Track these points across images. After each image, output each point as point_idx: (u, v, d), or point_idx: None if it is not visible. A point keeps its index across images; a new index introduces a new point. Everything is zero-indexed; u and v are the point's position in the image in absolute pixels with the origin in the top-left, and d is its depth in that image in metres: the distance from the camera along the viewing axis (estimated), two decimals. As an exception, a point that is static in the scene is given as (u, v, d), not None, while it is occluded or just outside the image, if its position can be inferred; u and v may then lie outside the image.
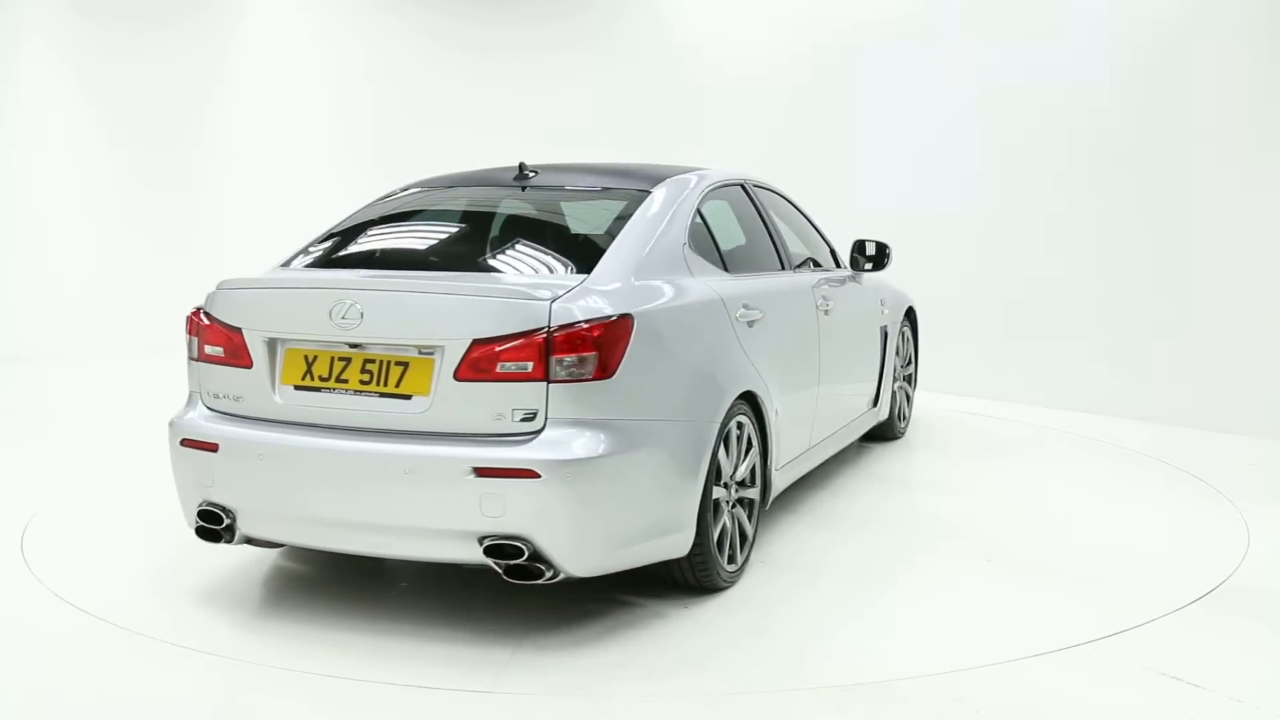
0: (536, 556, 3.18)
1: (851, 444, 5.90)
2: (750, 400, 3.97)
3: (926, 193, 8.19)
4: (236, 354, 3.54)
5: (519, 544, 3.17)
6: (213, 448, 3.50)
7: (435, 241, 4.15)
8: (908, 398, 6.41)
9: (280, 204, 10.32)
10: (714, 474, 3.67)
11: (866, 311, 5.61)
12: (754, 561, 4.12)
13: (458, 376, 3.23)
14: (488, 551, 3.19)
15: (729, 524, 3.83)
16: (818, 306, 4.79)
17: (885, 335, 5.85)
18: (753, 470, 4.00)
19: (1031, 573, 4.17)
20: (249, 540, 3.59)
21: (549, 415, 3.20)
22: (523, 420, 3.21)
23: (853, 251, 5.50)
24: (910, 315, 6.41)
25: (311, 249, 4.04)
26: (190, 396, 3.72)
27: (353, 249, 4.00)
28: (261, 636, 3.46)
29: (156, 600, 3.77)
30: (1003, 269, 7.82)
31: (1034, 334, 7.68)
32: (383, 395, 3.33)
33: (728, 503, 3.83)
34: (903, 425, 6.35)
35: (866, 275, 5.65)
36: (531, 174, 4.36)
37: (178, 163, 10.25)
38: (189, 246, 9.95)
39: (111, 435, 6.44)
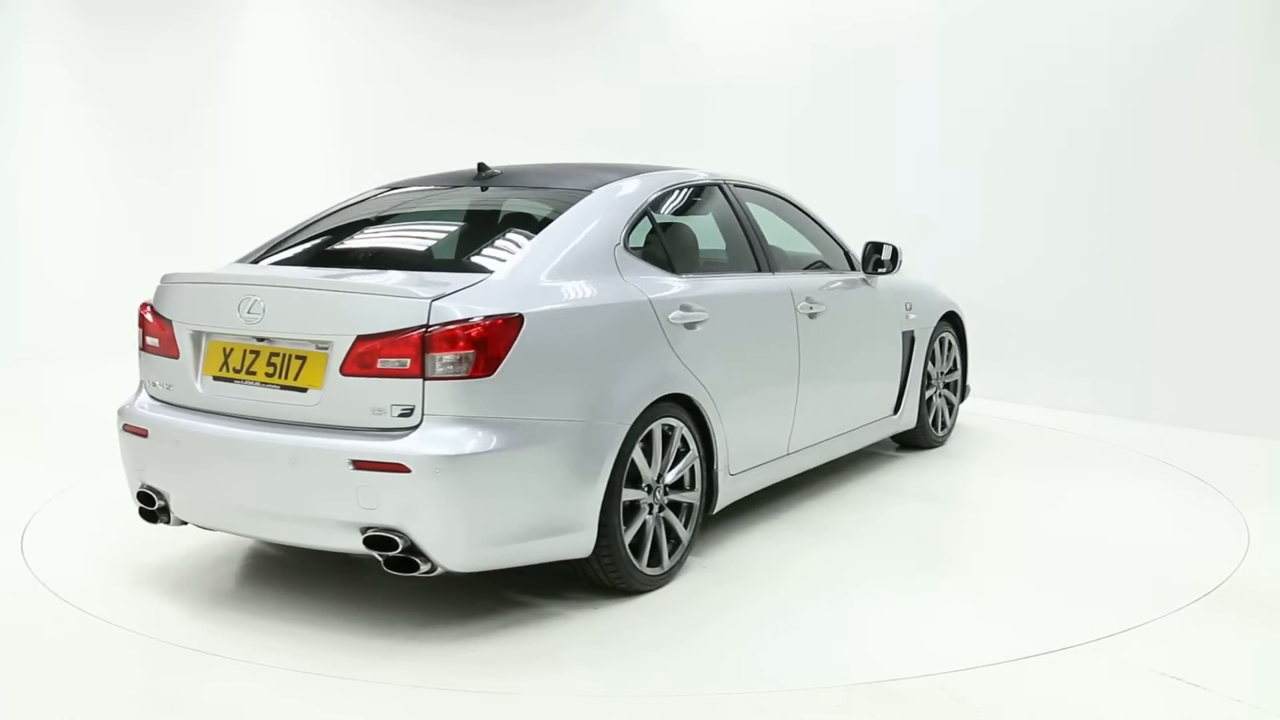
0: (413, 549, 3.27)
1: (881, 453, 5.86)
2: (687, 404, 3.97)
3: (926, 192, 8.19)
4: (168, 345, 3.76)
5: (395, 536, 3.26)
6: (144, 433, 3.73)
7: (370, 240, 4.22)
8: (949, 405, 6.21)
9: (280, 204, 10.29)
10: (627, 476, 3.68)
11: (882, 315, 5.47)
12: (696, 566, 4.10)
13: (344, 371, 3.34)
14: (367, 542, 3.29)
15: (655, 527, 3.83)
16: (798, 309, 4.69)
17: (911, 340, 5.69)
18: (693, 474, 4.01)
19: (1031, 573, 4.17)
20: (184, 522, 3.76)
21: (425, 411, 3.27)
22: (401, 416, 3.28)
23: (863, 254, 5.37)
24: (954, 320, 6.22)
25: (263, 246, 4.23)
26: (140, 385, 3.93)
27: (298, 247, 4.13)
28: (264, 636, 3.46)
29: (157, 600, 3.77)
30: (1003, 269, 7.81)
31: (1034, 334, 7.67)
32: (283, 388, 3.47)
33: (653, 506, 3.83)
34: (941, 433, 6.13)
35: (888, 278, 5.52)
36: (490, 174, 4.47)
37: (178, 162, 10.25)
38: (189, 247, 9.94)
39: (111, 435, 6.42)
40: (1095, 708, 3.01)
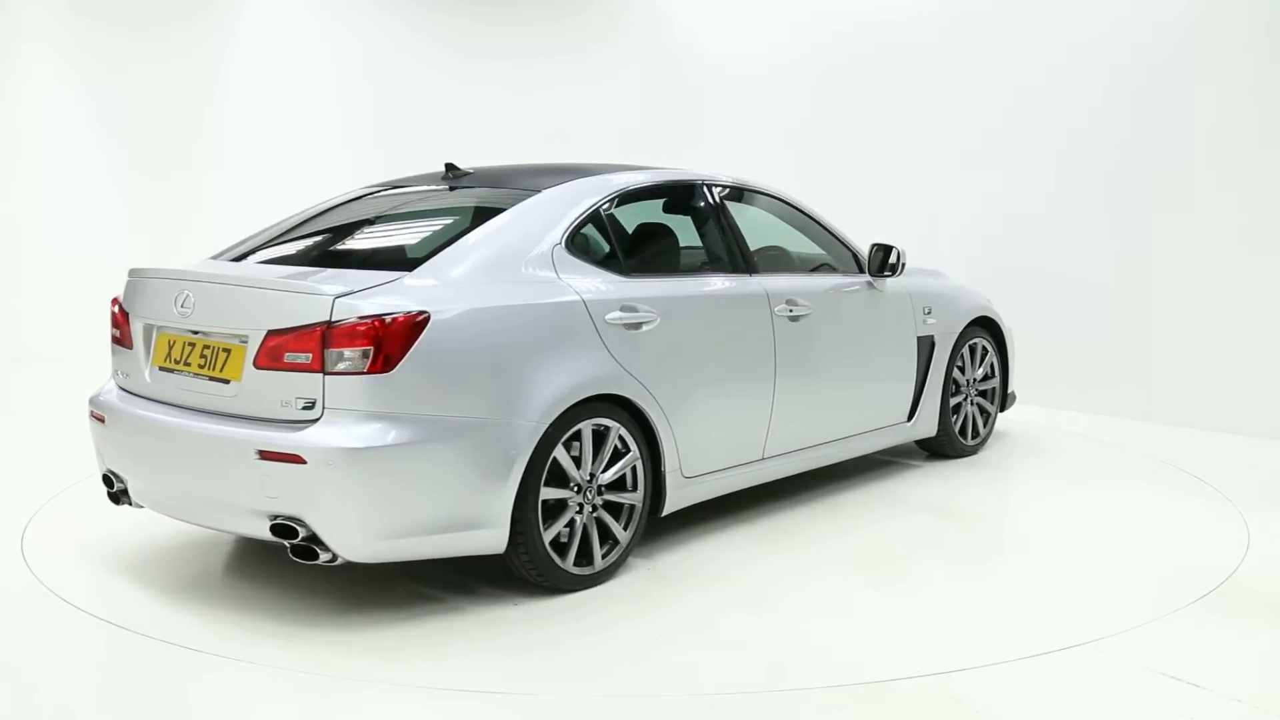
0: (314, 538, 3.38)
1: (899, 461, 5.75)
2: (630, 405, 3.97)
3: (926, 193, 8.19)
4: (126, 337, 3.98)
5: (296, 525, 3.37)
6: (102, 419, 3.94)
7: (323, 240, 4.27)
8: (982, 413, 6.01)
9: (280, 204, 10.29)
10: (548, 475, 3.70)
11: (890, 319, 5.33)
12: (640, 568, 4.09)
13: (257, 364, 3.48)
14: (273, 530, 3.42)
15: (587, 526, 3.84)
16: (775, 312, 4.60)
17: (931, 345, 5.55)
18: (635, 475, 4.00)
19: (1030, 573, 4.17)
20: (143, 506, 3.92)
21: (326, 405, 3.37)
22: (304, 408, 3.40)
23: (869, 256, 5.23)
24: (990, 326, 6.01)
25: (235, 244, 4.39)
26: (111, 374, 4.12)
27: (258, 245, 4.26)
28: (255, 635, 3.46)
29: (157, 600, 3.77)
30: (1002, 269, 7.81)
31: (1033, 334, 7.67)
32: (211, 379, 3.63)
33: (582, 506, 3.83)
34: (972, 442, 5.93)
35: (903, 281, 5.40)
36: (459, 175, 4.55)
37: (178, 162, 10.25)
38: (189, 247, 9.92)
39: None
40: (1095, 708, 3.01)
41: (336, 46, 10.70)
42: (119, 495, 3.93)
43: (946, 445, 5.80)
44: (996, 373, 6.10)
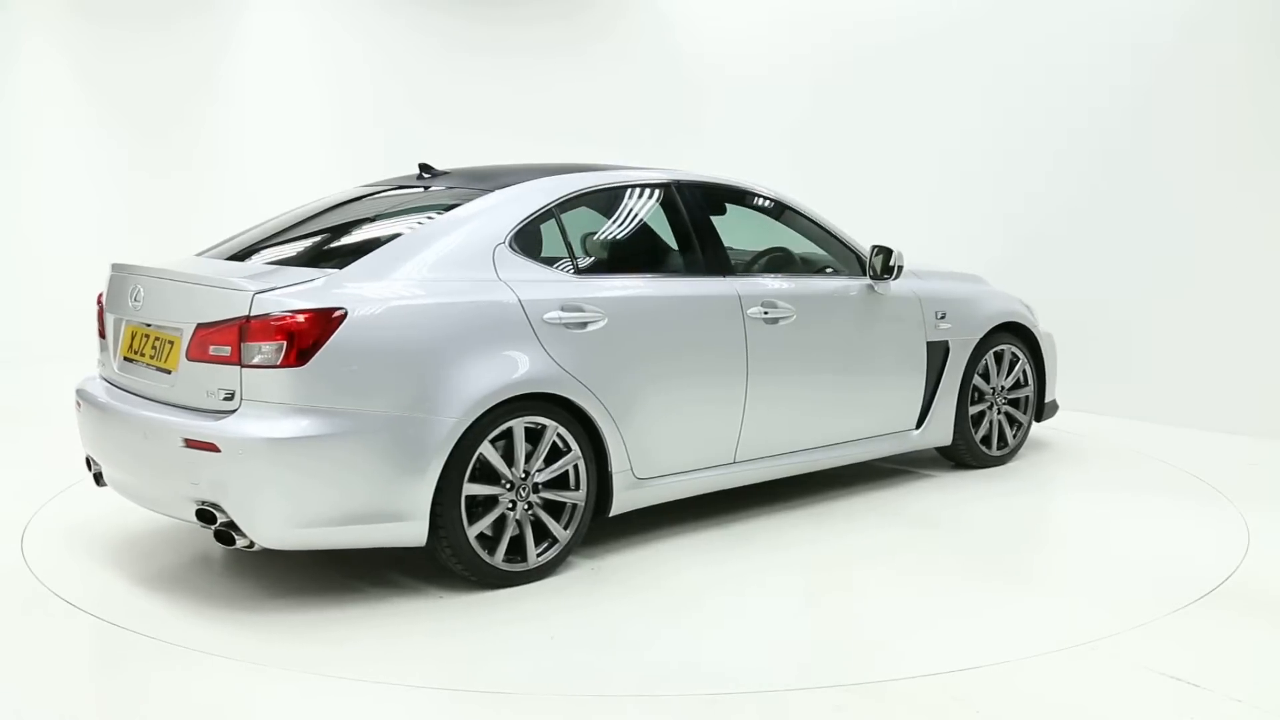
0: (232, 524, 3.53)
1: (911, 470, 5.55)
2: (571, 405, 3.97)
3: (925, 193, 8.18)
4: (102, 328, 4.24)
5: (215, 511, 3.53)
6: (78, 405, 4.17)
7: (286, 239, 4.31)
8: (1011, 422, 5.75)
9: (280, 204, 10.29)
10: (477, 471, 3.75)
11: (892, 322, 5.16)
12: (583, 567, 4.09)
13: (189, 356, 3.66)
14: (198, 515, 3.59)
15: (520, 523, 3.87)
16: (747, 314, 4.53)
17: (944, 350, 5.35)
18: (577, 475, 4.01)
19: (1030, 573, 4.17)
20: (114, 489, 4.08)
21: (244, 397, 3.53)
22: (225, 399, 3.56)
23: (869, 259, 5.10)
24: (1021, 332, 5.77)
25: (218, 243, 4.56)
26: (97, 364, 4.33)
27: (235, 242, 4.41)
28: (261, 634, 3.47)
29: (157, 600, 3.77)
30: (1000, 269, 7.80)
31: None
32: (158, 369, 3.81)
33: (515, 502, 3.86)
34: (998, 452, 5.67)
35: (912, 284, 5.27)
36: (432, 176, 4.64)
37: (178, 162, 10.25)
38: (189, 246, 9.91)
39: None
40: (1095, 708, 3.01)
41: (336, 46, 10.70)
42: (99, 476, 4.12)
43: (966, 454, 5.58)
44: (1030, 381, 5.84)
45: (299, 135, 10.63)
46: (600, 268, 4.38)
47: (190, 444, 3.52)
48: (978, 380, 5.57)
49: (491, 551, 3.81)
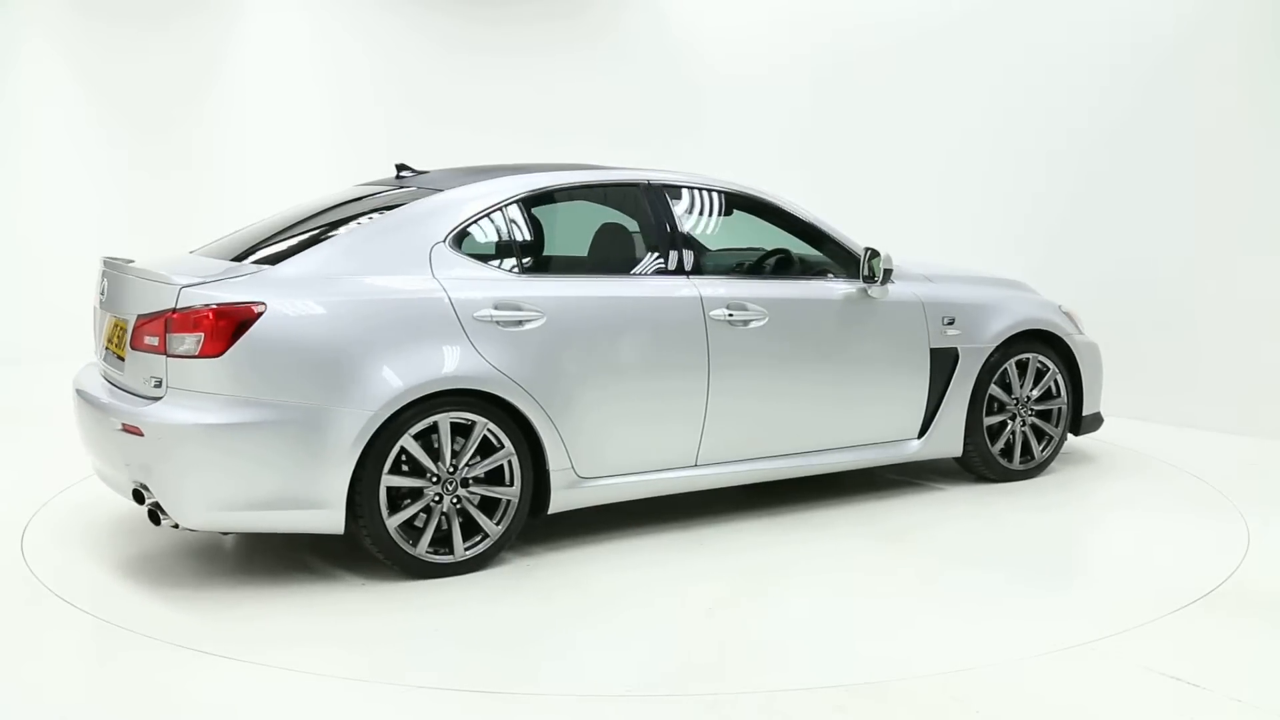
0: (158, 505, 3.74)
1: (913, 483, 5.34)
2: (503, 403, 4.00)
3: (925, 193, 8.18)
4: (94, 321, 4.37)
5: (144, 491, 3.75)
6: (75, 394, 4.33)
7: (262, 237, 4.41)
8: (1036, 435, 5.44)
9: (280, 203, 10.29)
10: (390, 463, 3.82)
11: (888, 328, 4.97)
12: (517, 563, 4.11)
13: (133, 346, 3.89)
14: (133, 495, 3.82)
15: (447, 516, 3.93)
16: (709, 316, 4.45)
17: (953, 358, 5.11)
18: (511, 471, 4.04)
19: (1030, 573, 4.17)
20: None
21: (169, 385, 3.74)
22: (155, 387, 3.78)
23: (862, 261, 4.91)
24: (1051, 340, 5.45)
25: (210, 242, 4.69)
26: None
27: (219, 241, 4.59)
28: (260, 633, 3.46)
29: (157, 600, 3.78)
30: (999, 269, 7.80)
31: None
32: (118, 357, 4.03)
33: (441, 495, 3.92)
34: (1019, 465, 5.36)
35: (918, 287, 5.10)
36: (408, 177, 4.71)
37: (178, 162, 10.23)
38: (189, 246, 9.91)
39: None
40: (1095, 708, 3.01)
41: (336, 46, 10.69)
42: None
43: (982, 466, 5.30)
44: (1062, 392, 5.49)
45: (299, 135, 10.63)
46: (547, 267, 4.44)
47: (125, 428, 3.76)
48: (997, 390, 5.28)
49: (415, 543, 3.88)
